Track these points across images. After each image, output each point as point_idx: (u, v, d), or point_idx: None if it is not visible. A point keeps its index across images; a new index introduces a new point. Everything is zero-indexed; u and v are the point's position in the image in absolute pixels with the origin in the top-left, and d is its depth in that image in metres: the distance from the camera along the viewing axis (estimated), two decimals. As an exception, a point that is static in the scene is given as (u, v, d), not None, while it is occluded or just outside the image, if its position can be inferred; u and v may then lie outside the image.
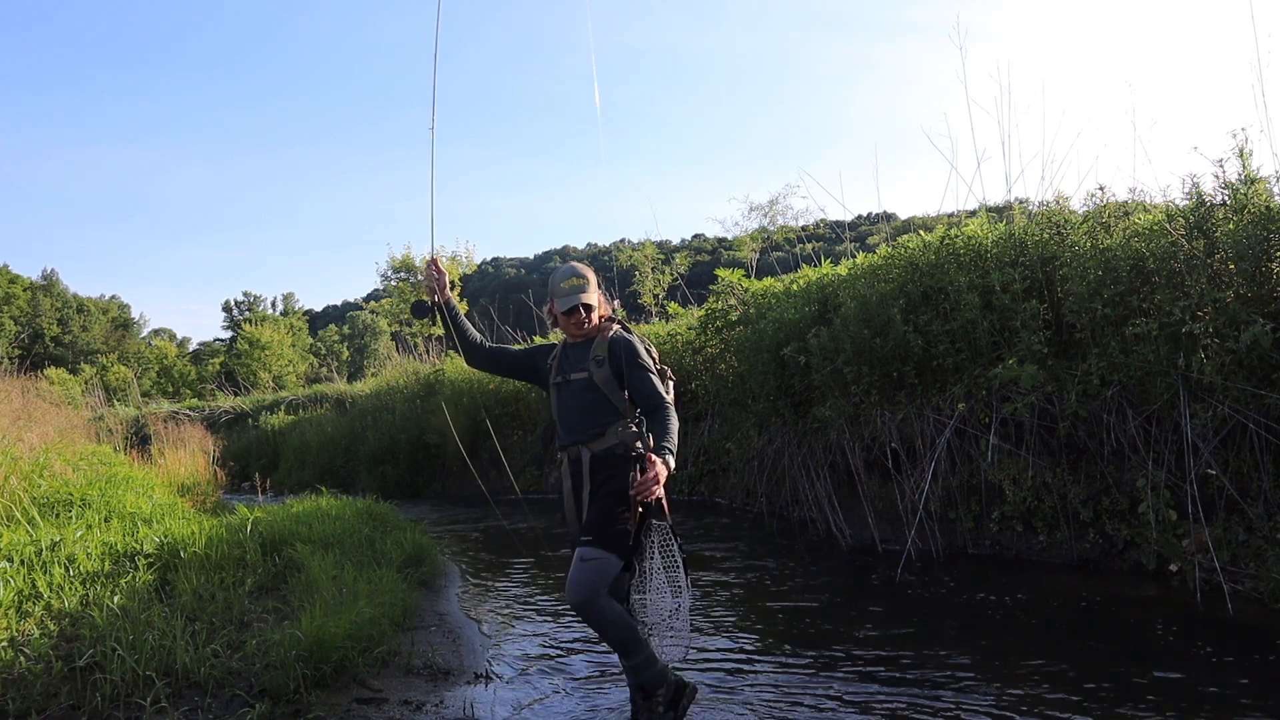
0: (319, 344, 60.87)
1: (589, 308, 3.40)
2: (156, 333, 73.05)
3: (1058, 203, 6.47)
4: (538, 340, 11.79)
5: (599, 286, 3.51)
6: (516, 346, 4.12)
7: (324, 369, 34.58)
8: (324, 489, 9.66)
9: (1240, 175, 5.12)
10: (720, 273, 9.41)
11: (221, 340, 68.41)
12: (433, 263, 3.64)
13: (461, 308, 3.88)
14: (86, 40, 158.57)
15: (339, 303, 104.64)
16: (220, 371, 43.67)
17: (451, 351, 15.91)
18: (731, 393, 8.72)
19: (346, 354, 61.02)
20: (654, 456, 3.04)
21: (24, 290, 60.41)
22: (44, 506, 5.72)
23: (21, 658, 3.40)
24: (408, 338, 19.30)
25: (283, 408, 20.14)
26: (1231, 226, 4.96)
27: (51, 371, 36.28)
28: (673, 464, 3.09)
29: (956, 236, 6.52)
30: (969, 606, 4.89)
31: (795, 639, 4.44)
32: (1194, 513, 4.90)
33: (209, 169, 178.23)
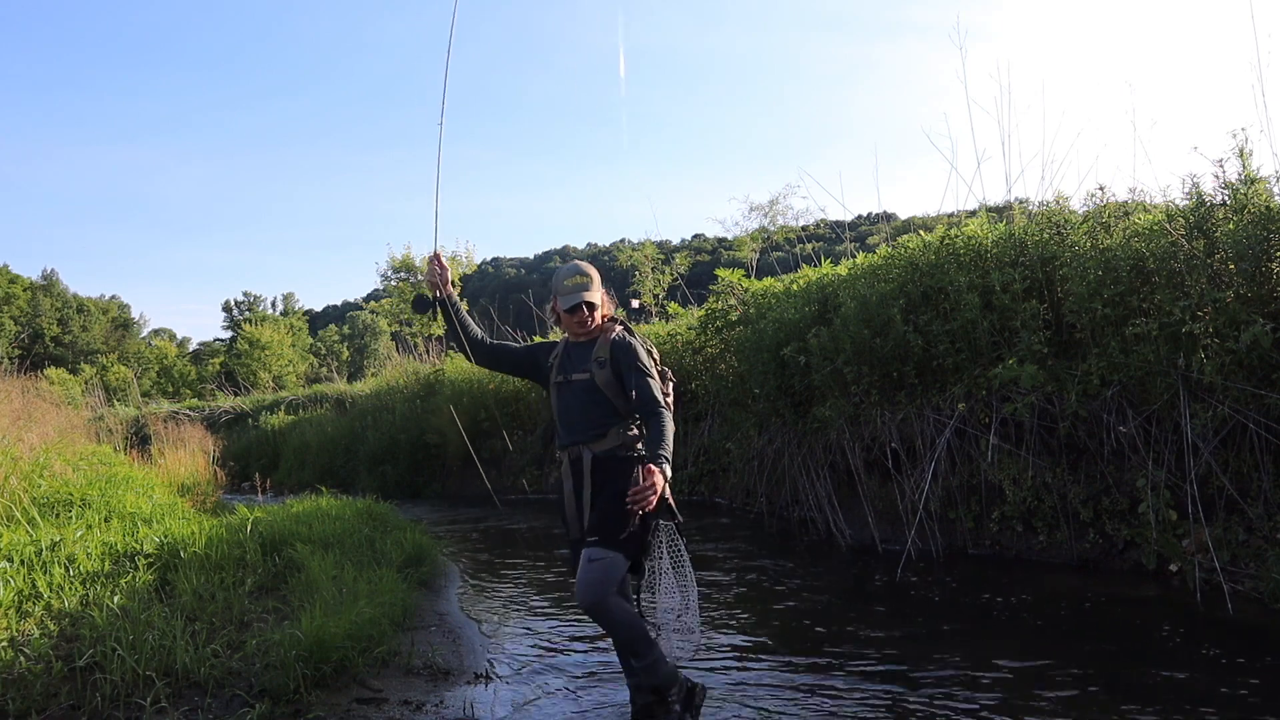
0: (319, 344, 60.87)
1: (592, 306, 3.39)
2: (156, 333, 73.07)
3: (1058, 203, 6.47)
4: (538, 340, 11.79)
5: (602, 286, 3.51)
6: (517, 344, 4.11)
7: (324, 369, 34.61)
8: (324, 489, 9.66)
9: (1240, 175, 5.12)
10: (720, 273, 9.41)
11: (221, 340, 68.42)
12: (435, 257, 3.63)
13: (461, 306, 3.88)
14: (86, 40, 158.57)
15: (339, 303, 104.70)
16: (220, 371, 43.69)
17: (452, 351, 15.92)
18: (731, 393, 8.72)
19: (346, 354, 61.04)
20: (651, 465, 3.04)
21: (24, 290, 60.42)
22: (44, 506, 5.72)
23: (21, 658, 3.40)
24: (408, 338, 19.31)
25: (283, 408, 20.15)
26: (1231, 226, 4.96)
27: (51, 371, 36.28)
28: (668, 471, 3.08)
29: (956, 236, 6.52)
30: (969, 607, 4.89)
31: (796, 638, 4.45)
32: (1194, 513, 4.90)
33: (209, 169, 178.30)
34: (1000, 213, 7.27)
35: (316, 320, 79.04)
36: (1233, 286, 4.90)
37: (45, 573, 4.39)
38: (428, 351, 17.06)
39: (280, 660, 3.55)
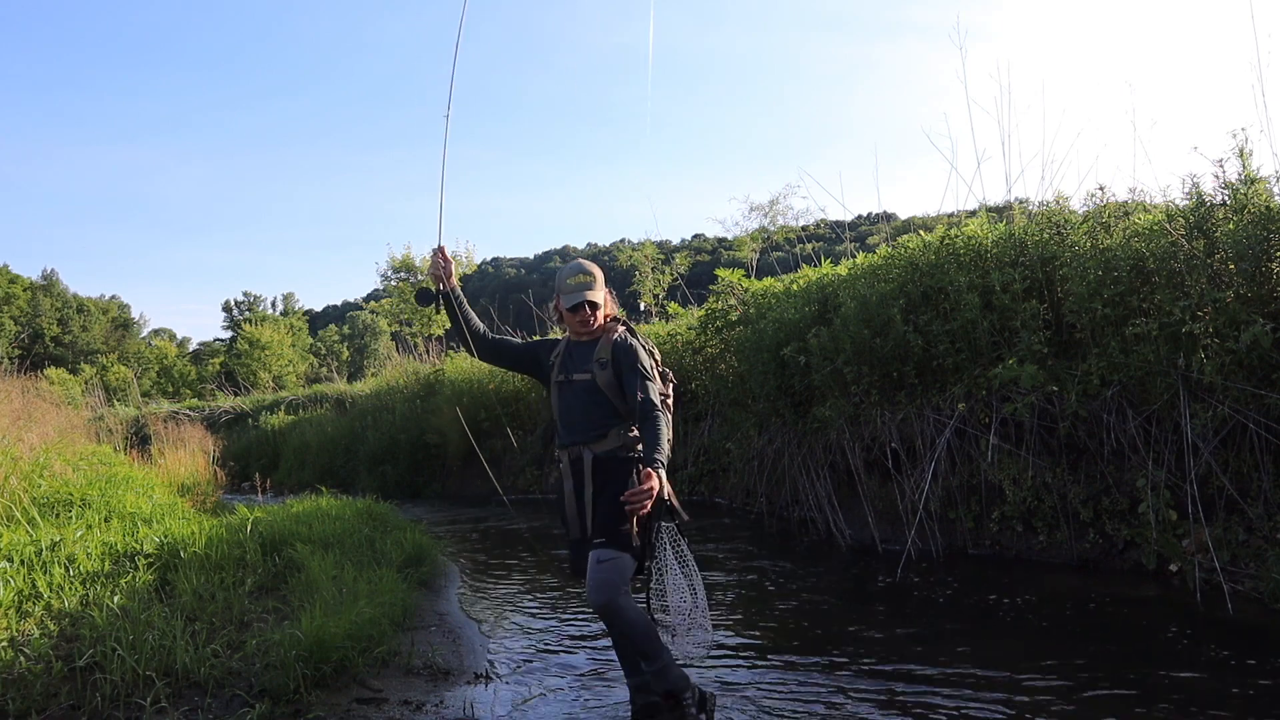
0: (319, 344, 60.87)
1: (594, 305, 3.38)
2: (156, 333, 73.07)
3: (1058, 203, 6.47)
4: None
5: (605, 285, 3.51)
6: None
7: (324, 369, 34.61)
8: (324, 489, 9.66)
9: (1240, 175, 5.12)
10: (720, 273, 9.41)
11: (221, 340, 68.41)
12: (439, 250, 3.60)
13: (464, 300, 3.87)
14: (86, 40, 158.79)
15: (339, 303, 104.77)
16: (220, 371, 43.68)
17: (452, 350, 15.93)
18: (731, 393, 8.72)
19: (346, 354, 61.06)
20: (648, 469, 3.03)
21: (24, 290, 60.41)
22: (44, 506, 5.72)
23: (21, 658, 3.40)
24: (408, 338, 19.32)
25: (283, 408, 20.15)
26: (1231, 226, 4.96)
27: (51, 371, 36.25)
28: (664, 475, 3.08)
29: (956, 236, 6.52)
30: (970, 607, 4.89)
31: (796, 638, 4.44)
32: (1194, 513, 4.90)
33: (209, 169, 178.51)
34: (1000, 213, 7.27)
35: (316, 320, 79.06)
36: (1233, 286, 4.90)
37: (45, 573, 4.39)
38: (428, 351, 17.06)
39: (280, 660, 3.54)
